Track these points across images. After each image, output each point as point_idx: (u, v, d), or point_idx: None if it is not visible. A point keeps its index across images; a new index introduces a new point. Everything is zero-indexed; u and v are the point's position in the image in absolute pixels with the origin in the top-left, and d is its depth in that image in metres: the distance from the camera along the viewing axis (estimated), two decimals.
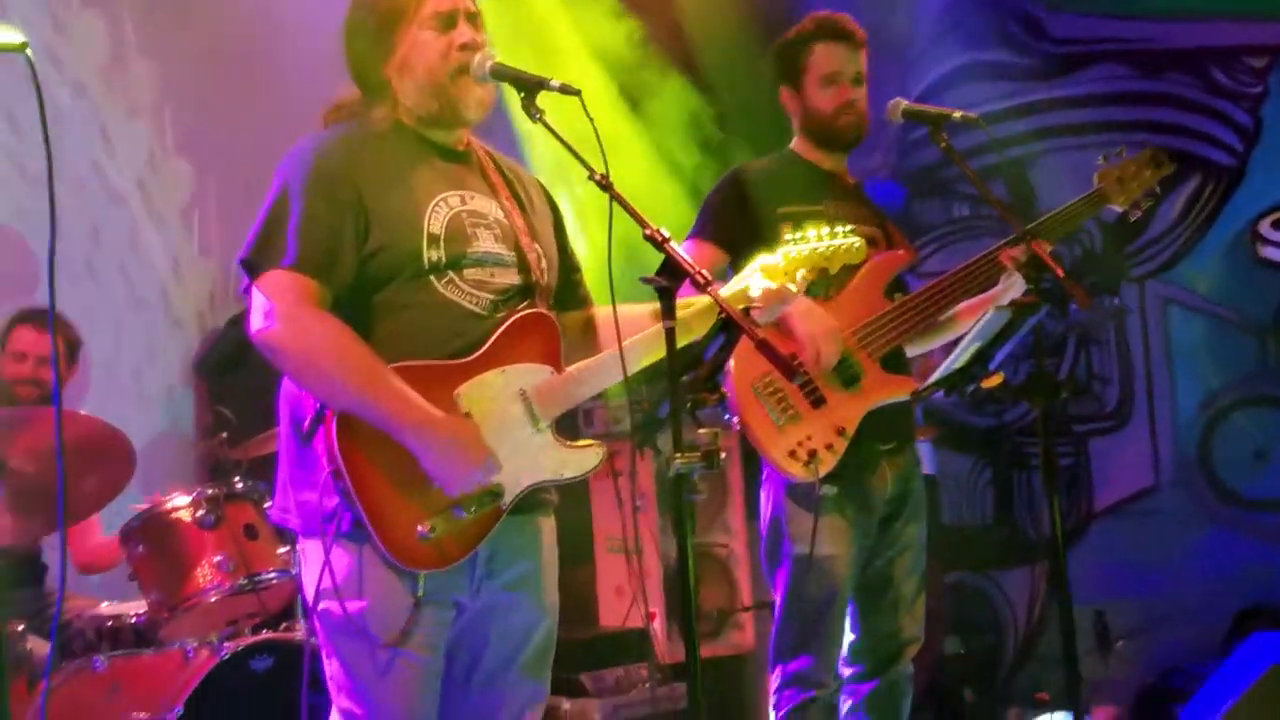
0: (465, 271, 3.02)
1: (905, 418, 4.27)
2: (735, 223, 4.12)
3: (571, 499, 7.12)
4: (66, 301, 5.96)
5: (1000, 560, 6.87)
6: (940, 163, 6.99)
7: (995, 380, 4.20)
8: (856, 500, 4.09)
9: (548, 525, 3.18)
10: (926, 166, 7.11)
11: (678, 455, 2.82)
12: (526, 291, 3.11)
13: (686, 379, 2.90)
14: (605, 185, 2.88)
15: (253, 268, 2.94)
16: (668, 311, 2.88)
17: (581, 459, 3.09)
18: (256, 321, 2.91)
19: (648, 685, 6.18)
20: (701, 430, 2.84)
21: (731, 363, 3.95)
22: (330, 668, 3.01)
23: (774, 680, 4.17)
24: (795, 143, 4.37)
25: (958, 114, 4.11)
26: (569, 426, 3.12)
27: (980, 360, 4.16)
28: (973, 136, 4.61)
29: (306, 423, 2.92)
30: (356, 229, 2.95)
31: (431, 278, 2.99)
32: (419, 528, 2.88)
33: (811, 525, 3.97)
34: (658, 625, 6.58)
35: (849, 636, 4.22)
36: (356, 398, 2.86)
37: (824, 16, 4.30)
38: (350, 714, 2.97)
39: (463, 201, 3.07)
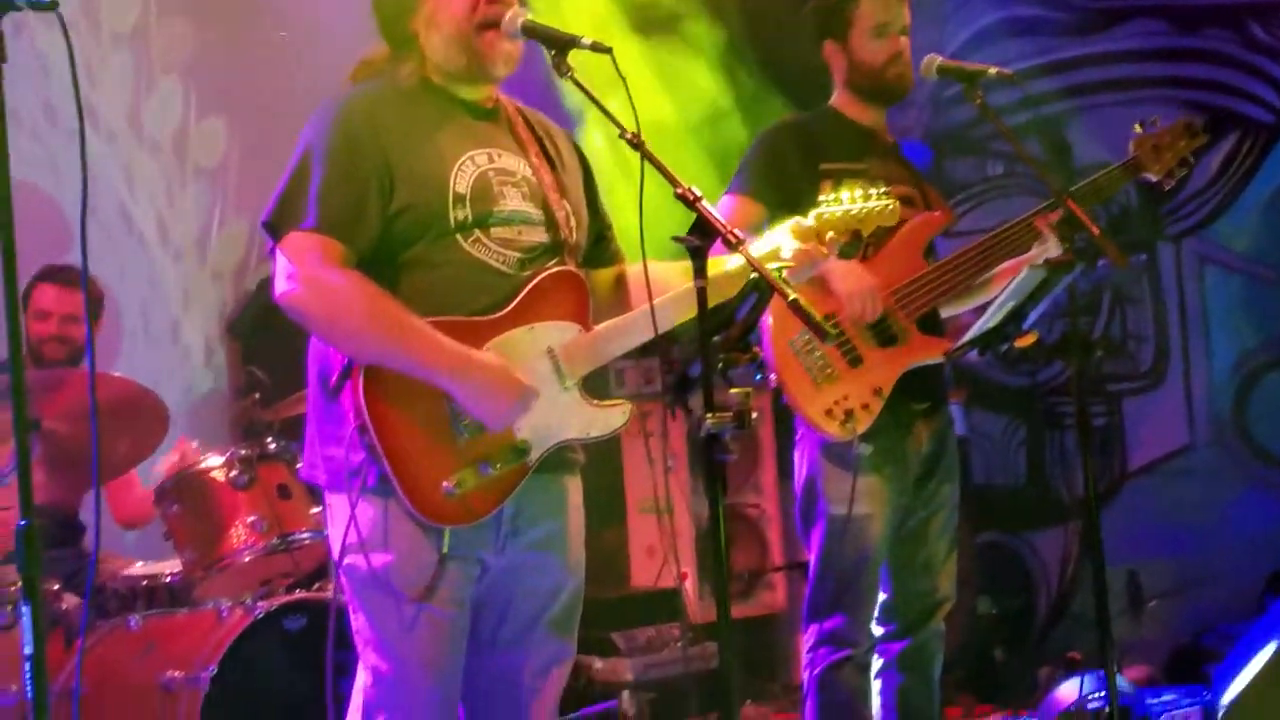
0: (492, 230, 3.00)
1: (939, 378, 4.26)
2: (776, 179, 4.10)
3: (603, 459, 7.17)
4: (100, 261, 6.00)
5: (1033, 521, 6.84)
6: (974, 120, 6.94)
7: (1029, 339, 4.18)
8: (892, 459, 4.08)
9: (574, 485, 3.18)
10: (960, 124, 7.06)
11: (709, 415, 2.81)
12: (554, 249, 3.09)
13: (718, 339, 2.90)
14: (637, 144, 2.86)
15: (274, 229, 2.93)
16: (699, 271, 2.87)
17: (608, 418, 3.08)
18: (280, 284, 2.91)
19: (679, 645, 6.20)
20: (733, 390, 2.83)
21: (769, 319, 3.98)
22: (356, 623, 3.01)
23: (807, 639, 4.18)
24: (836, 99, 4.31)
25: (993, 70, 4.09)
26: (599, 386, 3.12)
27: (1014, 319, 4.15)
28: (1007, 94, 4.57)
29: (334, 378, 2.93)
30: (381, 188, 2.93)
31: (458, 236, 2.97)
32: (445, 483, 2.88)
33: (847, 485, 3.97)
34: (689, 585, 6.59)
35: (881, 596, 4.22)
36: (386, 349, 2.87)
37: None
38: (377, 670, 2.98)
39: (490, 160, 3.06)
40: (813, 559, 4.17)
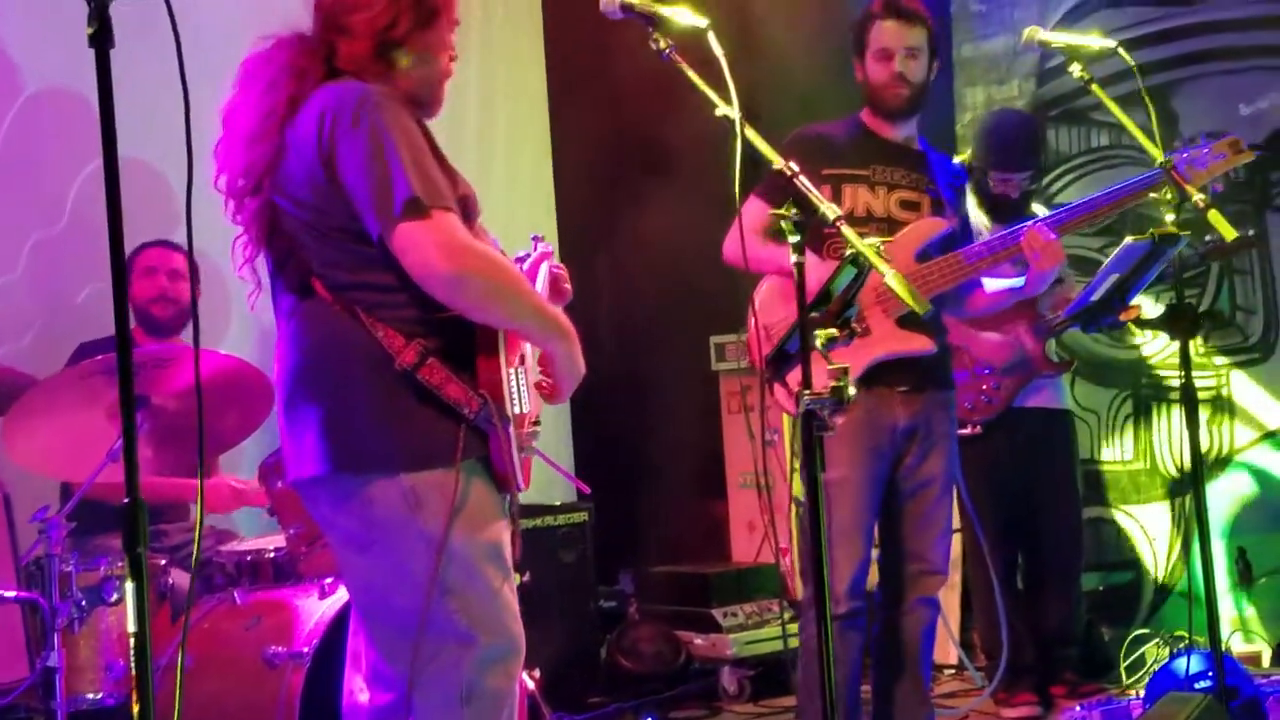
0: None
1: (925, 365, 4.39)
2: (784, 183, 4.15)
3: (705, 433, 7.14)
4: (206, 234, 6.03)
5: (1140, 496, 6.76)
6: (1078, 90, 6.83)
7: (1133, 313, 4.16)
8: (866, 430, 4.25)
9: None
10: (1064, 96, 6.96)
11: (806, 391, 2.80)
12: None
13: (816, 314, 2.89)
14: (735, 123, 2.93)
15: (418, 208, 2.85)
16: (798, 247, 2.87)
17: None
18: (441, 261, 2.86)
19: (779, 620, 6.19)
20: (831, 366, 2.82)
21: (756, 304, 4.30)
22: (465, 599, 2.98)
23: (805, 603, 4.41)
24: (863, 112, 4.56)
25: (1095, 42, 4.10)
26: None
27: (1119, 292, 4.11)
28: (1111, 64, 4.53)
29: (405, 356, 2.92)
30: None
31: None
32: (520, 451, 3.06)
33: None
34: (789, 560, 6.58)
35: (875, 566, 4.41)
36: (536, 311, 3.03)
37: None
38: (499, 640, 3.01)
39: None
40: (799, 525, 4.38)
